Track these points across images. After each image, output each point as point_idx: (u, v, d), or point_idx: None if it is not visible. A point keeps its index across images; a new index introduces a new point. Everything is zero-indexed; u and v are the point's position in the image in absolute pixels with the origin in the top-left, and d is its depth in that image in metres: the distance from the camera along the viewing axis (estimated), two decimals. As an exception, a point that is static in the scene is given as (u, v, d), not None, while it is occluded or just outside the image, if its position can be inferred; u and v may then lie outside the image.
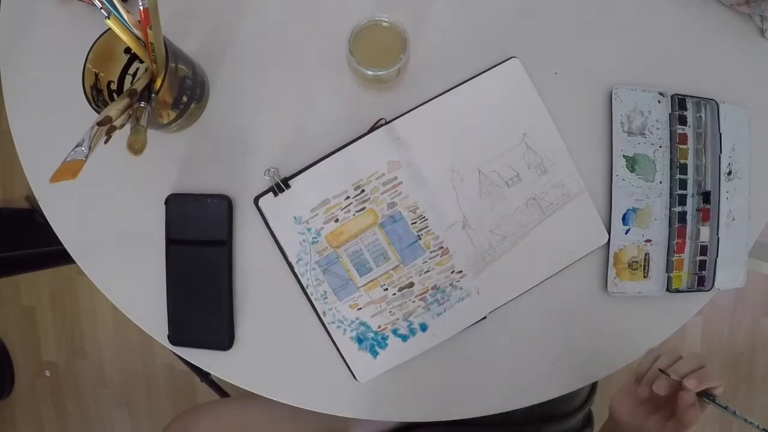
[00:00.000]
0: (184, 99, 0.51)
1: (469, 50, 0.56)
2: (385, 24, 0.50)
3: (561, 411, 0.68)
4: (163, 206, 0.56)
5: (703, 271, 0.57)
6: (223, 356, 0.57)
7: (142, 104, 0.45)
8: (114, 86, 0.51)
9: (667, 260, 0.57)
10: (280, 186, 0.55)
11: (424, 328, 0.56)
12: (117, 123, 0.43)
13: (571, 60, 0.57)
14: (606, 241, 0.56)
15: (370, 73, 0.49)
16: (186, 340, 0.57)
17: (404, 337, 0.56)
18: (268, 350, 0.57)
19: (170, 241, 0.56)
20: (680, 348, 1.39)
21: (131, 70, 0.52)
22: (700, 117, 0.57)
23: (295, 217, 0.56)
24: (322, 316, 0.56)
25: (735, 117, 0.57)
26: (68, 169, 0.39)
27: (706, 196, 0.57)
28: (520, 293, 0.56)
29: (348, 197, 0.55)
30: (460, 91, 0.56)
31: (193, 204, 0.56)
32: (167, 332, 0.57)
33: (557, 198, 0.56)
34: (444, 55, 0.56)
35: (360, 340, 0.56)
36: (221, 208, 0.55)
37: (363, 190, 0.55)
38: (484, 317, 0.56)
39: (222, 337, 0.56)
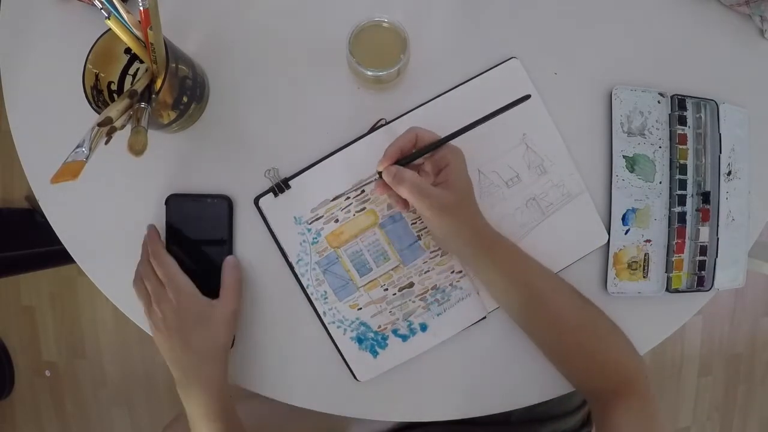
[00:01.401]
0: (185, 99, 0.51)
1: (469, 50, 0.56)
2: (385, 24, 0.50)
3: (560, 411, 0.68)
4: (164, 206, 0.56)
5: (702, 271, 0.57)
6: (224, 356, 0.57)
7: (143, 105, 0.45)
8: (114, 87, 0.51)
9: (667, 260, 0.57)
10: (280, 186, 0.55)
11: (424, 328, 0.56)
12: (117, 124, 0.43)
13: (571, 60, 0.57)
14: (606, 241, 0.56)
15: (370, 73, 0.49)
16: None
17: (404, 337, 0.56)
18: (268, 350, 0.57)
19: (170, 242, 0.56)
20: (680, 348, 1.39)
21: (131, 71, 0.52)
22: (700, 117, 0.57)
23: (295, 218, 0.56)
24: (322, 316, 0.56)
25: (735, 117, 0.57)
26: (69, 170, 0.39)
27: (705, 197, 0.57)
28: (520, 293, 0.56)
29: (348, 197, 0.56)
30: (460, 91, 0.56)
31: (193, 204, 0.56)
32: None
33: (557, 198, 0.56)
34: (444, 56, 0.56)
35: (360, 340, 0.56)
36: (221, 208, 0.55)
37: (363, 191, 0.56)
38: (484, 317, 0.56)
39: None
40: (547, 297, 0.50)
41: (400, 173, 0.47)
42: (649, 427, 0.48)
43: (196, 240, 0.56)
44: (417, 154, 0.49)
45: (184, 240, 0.56)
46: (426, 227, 0.56)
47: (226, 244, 0.56)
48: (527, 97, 0.45)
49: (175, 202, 0.56)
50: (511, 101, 0.45)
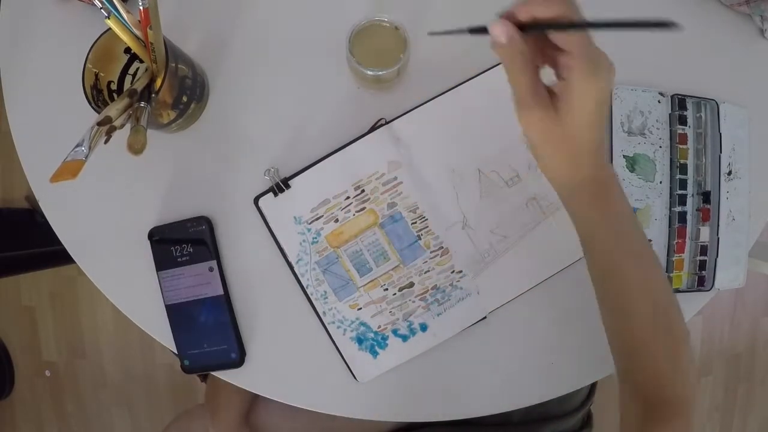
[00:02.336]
0: (184, 99, 0.51)
1: (469, 50, 0.56)
2: (385, 24, 0.50)
3: (560, 411, 0.68)
4: (164, 205, 0.56)
5: (703, 271, 0.57)
6: (223, 356, 0.57)
7: (142, 104, 0.45)
8: (114, 86, 0.51)
9: (667, 260, 0.57)
10: (280, 186, 0.55)
11: (424, 328, 0.56)
12: (117, 123, 0.43)
13: (571, 60, 0.57)
14: (606, 241, 0.56)
15: (370, 73, 0.49)
16: (199, 367, 0.57)
17: (404, 337, 0.56)
18: (268, 350, 0.57)
19: (163, 274, 0.56)
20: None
21: (131, 70, 0.52)
22: (700, 117, 0.57)
23: (295, 217, 0.56)
24: (322, 316, 0.56)
25: (735, 117, 0.57)
26: (68, 169, 0.39)
27: (706, 196, 0.57)
28: (520, 293, 0.56)
29: (348, 197, 0.55)
30: (460, 90, 0.56)
31: (175, 231, 0.56)
32: (180, 363, 0.57)
33: (557, 198, 0.56)
34: (444, 55, 0.56)
35: (360, 340, 0.56)
36: (202, 230, 0.56)
37: (363, 190, 0.55)
38: (484, 317, 0.56)
39: (233, 358, 0.56)
40: (631, 276, 0.42)
41: (513, 50, 0.35)
42: None
43: (187, 266, 0.56)
44: (540, 27, 0.35)
45: (175, 269, 0.56)
46: (426, 227, 0.56)
47: (215, 264, 0.56)
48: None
49: (157, 235, 0.56)
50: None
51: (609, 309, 0.45)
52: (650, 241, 0.57)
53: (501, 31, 0.35)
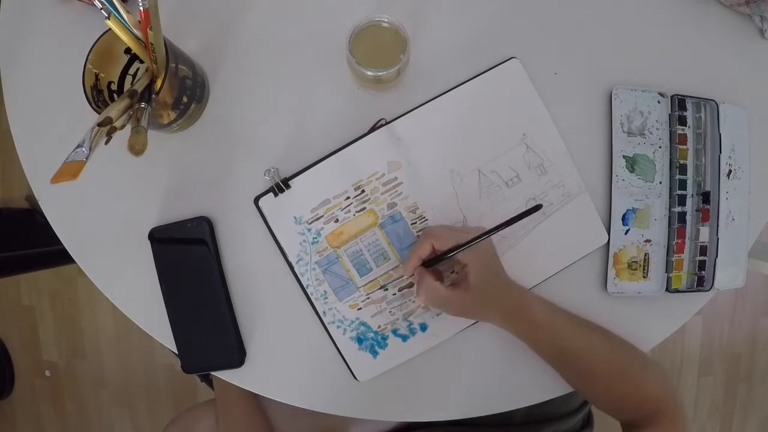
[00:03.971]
0: (185, 99, 0.51)
1: (469, 50, 0.56)
2: (385, 24, 0.50)
3: (561, 411, 0.68)
4: (164, 205, 0.56)
5: (702, 271, 0.57)
6: (223, 356, 0.57)
7: (143, 105, 0.45)
8: (114, 87, 0.51)
9: (667, 260, 0.57)
10: (280, 186, 0.55)
11: (424, 328, 0.56)
12: (117, 124, 0.43)
13: (571, 60, 0.57)
14: (606, 241, 0.56)
15: (370, 73, 0.49)
16: (199, 367, 0.57)
17: (404, 337, 0.56)
18: (268, 350, 0.57)
19: (163, 276, 0.56)
20: (680, 348, 1.39)
21: (131, 71, 0.52)
22: (700, 117, 0.57)
23: (295, 218, 0.56)
24: (322, 316, 0.56)
25: (735, 117, 0.57)
26: (69, 170, 0.39)
27: (705, 197, 0.57)
28: (520, 293, 0.56)
29: (348, 197, 0.56)
30: (460, 91, 0.56)
31: (176, 231, 0.56)
32: (180, 363, 0.57)
33: (557, 198, 0.56)
34: (444, 56, 0.56)
35: (360, 340, 0.56)
36: (202, 230, 0.56)
37: (363, 191, 0.56)
38: (484, 317, 0.56)
39: (233, 357, 0.56)
40: (579, 356, 0.53)
41: (420, 279, 0.51)
42: None
43: (187, 268, 0.56)
44: (436, 260, 0.50)
45: (176, 271, 0.56)
46: (426, 227, 0.56)
47: (215, 264, 0.56)
48: (539, 207, 0.47)
49: (158, 236, 0.56)
50: (523, 212, 0.46)
51: (567, 378, 0.55)
52: (650, 241, 0.57)
53: (408, 272, 0.52)
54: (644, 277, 0.57)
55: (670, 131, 0.57)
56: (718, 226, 0.57)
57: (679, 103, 0.56)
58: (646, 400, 0.52)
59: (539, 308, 0.53)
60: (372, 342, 0.56)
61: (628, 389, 0.52)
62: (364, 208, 0.56)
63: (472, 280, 0.49)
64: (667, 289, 0.57)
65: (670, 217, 0.57)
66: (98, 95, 0.48)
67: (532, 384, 0.57)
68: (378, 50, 0.50)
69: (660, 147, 0.57)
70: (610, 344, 0.54)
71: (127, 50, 0.50)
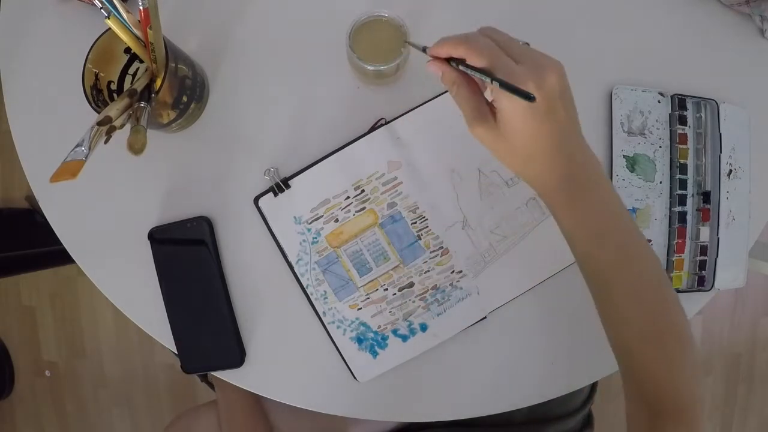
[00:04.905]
0: (184, 99, 0.51)
1: (469, 50, 0.56)
2: (385, 19, 0.49)
3: (561, 411, 0.68)
4: (164, 205, 0.56)
5: (703, 271, 0.57)
6: (223, 356, 0.57)
7: (142, 104, 0.45)
8: (114, 86, 0.51)
9: (667, 260, 0.57)
10: (280, 186, 0.55)
11: (424, 328, 0.56)
12: (117, 123, 0.43)
13: (571, 60, 0.57)
14: (606, 241, 0.56)
15: (370, 68, 0.48)
16: (199, 367, 0.57)
17: (404, 337, 0.56)
18: (268, 350, 0.57)
19: (162, 276, 0.56)
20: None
21: (131, 70, 0.52)
22: (700, 117, 0.57)
23: (295, 217, 0.56)
24: (322, 316, 0.56)
25: (735, 117, 0.57)
26: (68, 169, 0.39)
27: (706, 196, 0.57)
28: (520, 293, 0.56)
29: (348, 197, 0.55)
30: (460, 91, 0.55)
31: (175, 231, 0.56)
32: (180, 363, 0.57)
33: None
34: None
35: (360, 340, 0.56)
36: (202, 230, 0.56)
37: (363, 190, 0.55)
38: (484, 317, 0.56)
39: (233, 357, 0.56)
40: (627, 296, 0.42)
41: (454, 79, 0.39)
42: None
43: (187, 268, 0.56)
44: (470, 69, 0.38)
45: (176, 271, 0.56)
46: (426, 227, 0.56)
47: (215, 264, 0.56)
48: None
49: (157, 235, 0.56)
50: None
51: (600, 314, 0.45)
52: (650, 241, 0.57)
53: (435, 69, 0.40)
54: (644, 277, 0.57)
55: (671, 131, 0.57)
56: (718, 225, 0.57)
57: (679, 102, 0.56)
58: (674, 389, 0.42)
59: (605, 195, 0.41)
60: (372, 342, 0.56)
61: (659, 359, 0.42)
62: (364, 208, 0.56)
63: (505, 125, 0.37)
64: (668, 289, 0.57)
65: (670, 217, 0.57)
66: (98, 95, 0.48)
67: (532, 384, 0.57)
68: (378, 45, 0.50)
69: (660, 147, 0.57)
70: (663, 288, 0.43)
71: (127, 50, 0.50)
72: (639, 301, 0.42)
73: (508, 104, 0.37)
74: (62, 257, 0.62)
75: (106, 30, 0.46)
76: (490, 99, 0.39)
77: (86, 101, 0.46)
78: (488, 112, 0.39)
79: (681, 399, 0.42)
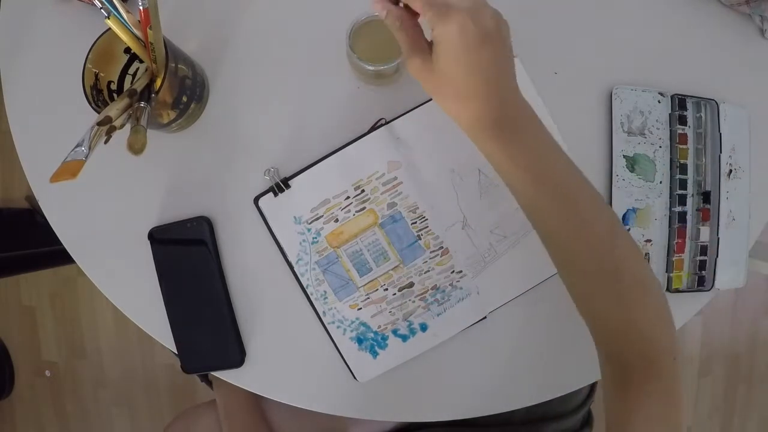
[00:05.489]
0: (184, 99, 0.51)
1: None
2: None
3: (561, 410, 0.68)
4: (164, 205, 0.56)
5: (703, 271, 0.57)
6: (223, 356, 0.57)
7: (142, 104, 0.45)
8: (114, 86, 0.51)
9: (667, 260, 0.57)
10: (280, 186, 0.55)
11: (424, 328, 0.56)
12: (117, 123, 0.43)
13: (571, 60, 0.57)
14: (606, 241, 0.56)
15: (370, 68, 0.48)
16: (199, 367, 0.57)
17: (404, 337, 0.56)
18: (268, 350, 0.57)
19: (162, 276, 0.56)
20: (680, 348, 1.39)
21: (131, 70, 0.52)
22: (700, 117, 0.57)
23: (295, 217, 0.56)
24: (322, 316, 0.56)
25: (735, 117, 0.57)
26: (68, 169, 0.39)
27: (706, 196, 0.57)
28: (520, 293, 0.56)
29: (348, 197, 0.55)
30: (460, 91, 0.56)
31: (175, 231, 0.56)
32: (180, 363, 0.57)
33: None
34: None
35: (360, 341, 0.56)
36: (202, 230, 0.56)
37: (363, 190, 0.55)
38: (484, 317, 0.56)
39: (233, 357, 0.56)
40: (564, 228, 0.41)
41: (397, 16, 0.39)
42: (668, 418, 0.39)
43: (187, 268, 0.56)
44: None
45: (176, 271, 0.56)
46: (426, 227, 0.56)
47: (215, 264, 0.56)
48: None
49: (157, 236, 0.56)
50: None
51: (555, 264, 0.43)
52: (650, 241, 0.57)
53: (379, 8, 0.40)
54: (644, 276, 0.57)
55: (671, 131, 0.57)
56: (718, 225, 0.57)
57: (679, 102, 0.56)
58: (641, 338, 0.40)
59: (540, 137, 0.41)
60: (372, 342, 0.56)
61: (617, 306, 0.40)
62: (364, 208, 0.56)
63: (440, 64, 0.38)
64: (668, 289, 0.57)
65: (670, 217, 0.57)
66: (98, 95, 0.48)
67: (532, 384, 0.57)
68: (378, 45, 0.50)
69: (660, 147, 0.57)
70: (613, 231, 0.41)
71: (127, 50, 0.50)
72: (585, 239, 0.40)
73: (442, 35, 0.37)
74: (62, 257, 0.63)
75: (106, 30, 0.46)
76: (430, 39, 0.39)
77: (86, 101, 0.46)
78: (427, 48, 0.40)
79: (646, 349, 0.40)
